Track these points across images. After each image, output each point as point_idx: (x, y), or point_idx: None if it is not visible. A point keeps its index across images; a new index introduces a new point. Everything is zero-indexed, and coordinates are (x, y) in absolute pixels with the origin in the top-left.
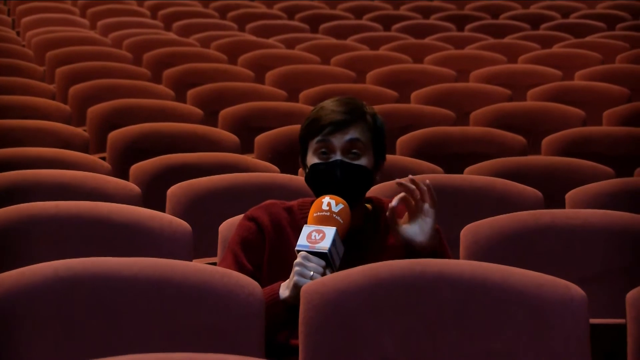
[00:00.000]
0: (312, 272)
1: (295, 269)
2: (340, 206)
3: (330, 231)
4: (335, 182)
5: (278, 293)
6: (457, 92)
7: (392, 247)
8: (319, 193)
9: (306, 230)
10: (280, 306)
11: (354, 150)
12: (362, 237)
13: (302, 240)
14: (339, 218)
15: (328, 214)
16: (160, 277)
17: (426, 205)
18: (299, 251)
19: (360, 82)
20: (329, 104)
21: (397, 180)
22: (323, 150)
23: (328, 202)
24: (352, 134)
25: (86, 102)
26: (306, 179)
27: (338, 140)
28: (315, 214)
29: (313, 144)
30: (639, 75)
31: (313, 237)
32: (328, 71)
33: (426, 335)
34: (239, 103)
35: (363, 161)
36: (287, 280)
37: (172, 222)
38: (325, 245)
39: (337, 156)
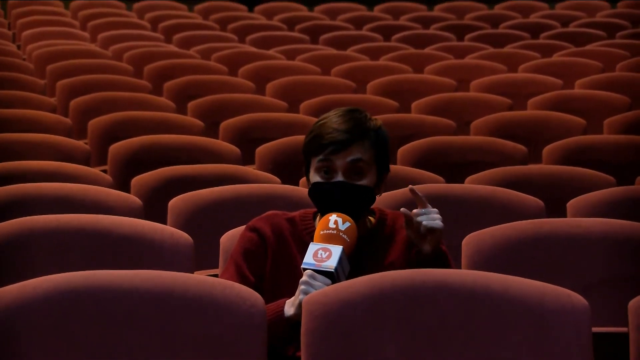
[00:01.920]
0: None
1: (301, 287)
2: (347, 224)
3: (336, 250)
4: (335, 202)
5: (283, 310)
6: (458, 101)
7: (394, 258)
8: (321, 210)
9: (312, 248)
10: (285, 323)
11: (355, 172)
12: (365, 248)
13: (308, 258)
14: (345, 236)
15: (335, 232)
16: (162, 289)
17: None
18: (305, 269)
19: (360, 92)
20: (332, 119)
21: (411, 187)
22: (325, 169)
23: (335, 220)
24: (354, 154)
25: (87, 115)
26: (309, 194)
27: (340, 161)
28: (321, 232)
29: (315, 162)
30: (639, 83)
31: (319, 256)
32: (328, 82)
33: (428, 345)
34: (240, 114)
35: (365, 180)
36: (292, 298)
37: (173, 234)
38: (331, 264)
39: (339, 177)
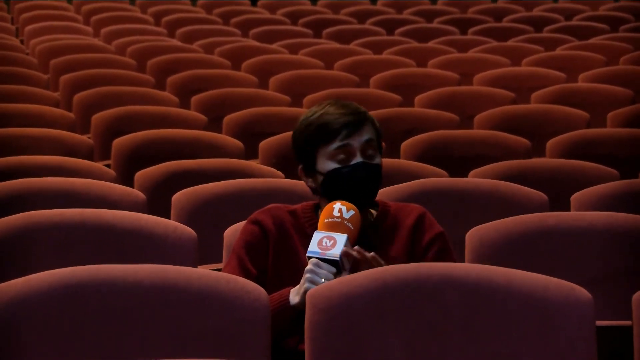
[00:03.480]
0: (322, 279)
1: (306, 275)
2: (352, 212)
3: (341, 238)
4: (359, 184)
5: (288, 299)
6: (461, 95)
7: (397, 250)
8: (338, 196)
9: (317, 236)
10: (290, 312)
11: (370, 151)
12: (367, 240)
13: (312, 247)
14: (349, 225)
15: (339, 220)
16: (166, 283)
17: None
18: (309, 257)
19: (363, 86)
20: (328, 109)
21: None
22: (342, 155)
23: (339, 208)
24: (366, 134)
25: (90, 110)
26: (322, 185)
27: (357, 142)
28: (326, 220)
29: (328, 150)
30: None
31: (324, 244)
32: (332, 76)
33: (432, 338)
34: (243, 109)
35: (377, 160)
36: (297, 286)
37: (177, 228)
38: (336, 252)
39: (358, 158)
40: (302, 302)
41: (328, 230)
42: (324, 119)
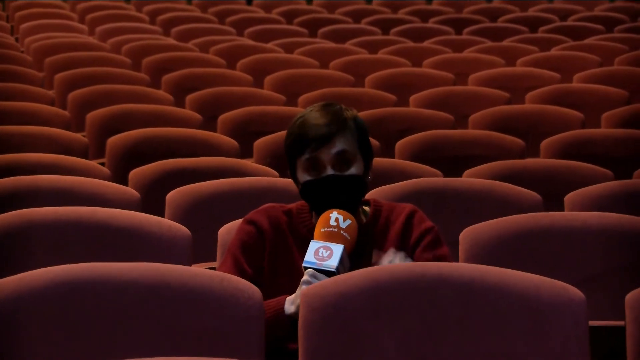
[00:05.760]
0: None
1: (302, 287)
2: (348, 222)
3: (338, 248)
4: (329, 197)
5: (283, 308)
6: (456, 95)
7: (389, 250)
8: (316, 208)
9: (313, 246)
10: (286, 321)
11: (344, 161)
12: (360, 240)
13: (309, 257)
14: (346, 234)
15: (335, 230)
16: (160, 281)
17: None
18: (306, 268)
19: (359, 86)
20: (309, 115)
21: None
22: (312, 166)
23: (336, 217)
24: (338, 146)
25: (85, 108)
26: (301, 194)
27: (326, 155)
28: (322, 230)
29: (301, 161)
30: (637, 78)
31: (320, 254)
32: (327, 75)
33: (426, 337)
34: (238, 108)
35: (354, 169)
36: (293, 296)
37: (171, 227)
38: (333, 263)
39: (328, 171)
40: (297, 312)
41: (324, 240)
42: (299, 129)
